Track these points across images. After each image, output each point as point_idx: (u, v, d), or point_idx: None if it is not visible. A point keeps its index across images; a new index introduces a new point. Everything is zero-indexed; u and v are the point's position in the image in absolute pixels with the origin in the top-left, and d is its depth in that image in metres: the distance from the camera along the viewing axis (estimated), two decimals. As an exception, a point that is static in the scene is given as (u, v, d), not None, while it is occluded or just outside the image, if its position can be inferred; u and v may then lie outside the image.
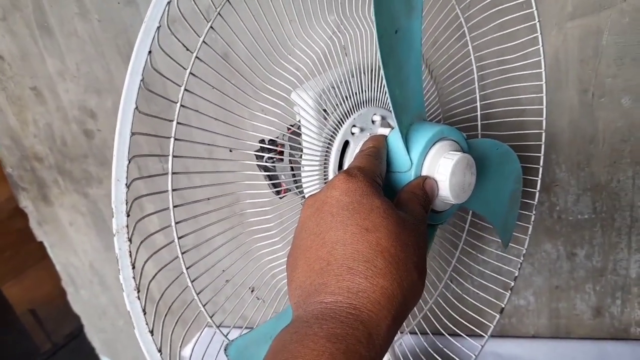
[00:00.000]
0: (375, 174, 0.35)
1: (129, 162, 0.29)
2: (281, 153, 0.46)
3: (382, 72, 0.35)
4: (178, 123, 0.34)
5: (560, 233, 0.75)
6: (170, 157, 0.34)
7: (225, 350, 0.40)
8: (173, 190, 0.34)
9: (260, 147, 0.49)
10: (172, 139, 0.33)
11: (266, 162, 0.49)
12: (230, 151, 0.39)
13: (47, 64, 0.83)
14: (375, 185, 0.33)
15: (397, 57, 0.36)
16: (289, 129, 0.45)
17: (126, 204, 0.28)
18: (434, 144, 0.39)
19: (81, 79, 0.83)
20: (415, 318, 0.59)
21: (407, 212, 0.34)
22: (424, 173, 0.39)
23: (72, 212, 1.00)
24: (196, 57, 0.34)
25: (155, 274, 0.34)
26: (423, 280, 0.31)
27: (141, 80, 0.29)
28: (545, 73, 0.54)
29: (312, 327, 0.26)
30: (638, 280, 0.76)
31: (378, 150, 0.39)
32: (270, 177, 0.49)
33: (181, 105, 0.34)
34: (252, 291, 0.43)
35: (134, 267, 0.30)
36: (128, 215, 0.29)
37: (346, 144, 0.45)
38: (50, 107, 0.87)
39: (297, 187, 0.46)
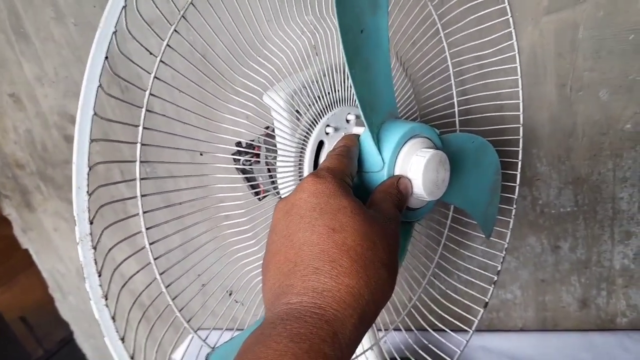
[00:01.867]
0: (345, 173, 0.35)
1: (90, 169, 0.28)
2: (258, 155, 0.46)
3: (347, 72, 0.35)
4: (144, 128, 0.33)
5: (544, 226, 0.76)
6: (137, 163, 0.33)
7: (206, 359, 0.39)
8: (142, 195, 0.34)
9: (237, 150, 0.49)
10: (138, 144, 0.33)
11: (243, 164, 0.49)
12: (201, 154, 0.39)
13: (25, 69, 0.82)
14: (344, 186, 0.33)
15: (364, 56, 0.36)
16: (267, 128, 0.45)
17: (88, 211, 0.28)
18: (405, 142, 0.39)
19: (60, 83, 0.82)
20: (400, 315, 0.59)
21: (379, 211, 0.34)
22: (396, 172, 0.39)
23: (55, 218, 0.99)
24: (160, 60, 0.34)
25: (125, 283, 0.34)
26: (393, 278, 0.31)
27: (99, 87, 0.28)
28: (521, 67, 0.54)
29: (277, 327, 0.26)
30: (622, 271, 0.77)
31: (349, 149, 0.38)
32: (248, 179, 0.48)
33: (147, 110, 0.33)
34: (230, 294, 0.43)
35: (99, 275, 0.29)
36: (91, 223, 0.28)
37: (321, 144, 0.45)
38: (30, 113, 0.86)
39: (274, 189, 0.46)
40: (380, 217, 0.33)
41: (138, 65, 0.33)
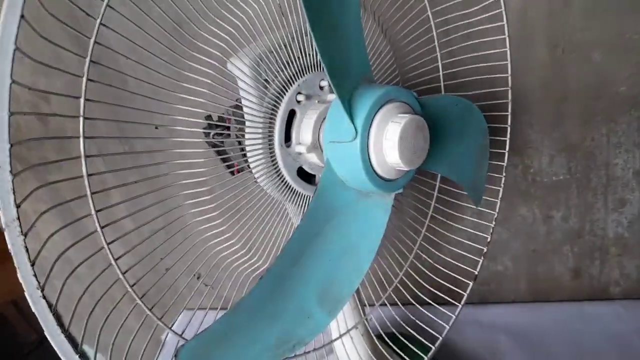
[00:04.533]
0: None
1: (11, 146, 0.25)
2: (228, 128, 0.43)
3: (311, 36, 0.31)
4: (86, 100, 0.30)
5: (535, 196, 0.73)
6: (81, 139, 0.30)
7: (175, 357, 0.36)
8: (89, 175, 0.31)
9: (208, 124, 0.45)
10: (81, 118, 0.30)
11: (214, 138, 0.46)
12: (156, 128, 0.35)
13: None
14: None
15: (329, 14, 0.32)
16: (237, 100, 0.42)
17: (14, 193, 0.25)
18: (380, 108, 0.36)
19: (27, 60, 0.77)
20: (386, 290, 0.57)
21: None
22: (371, 141, 0.36)
23: (35, 202, 0.95)
24: (95, 42, 0.30)
25: (71, 273, 0.31)
26: None
27: (15, 50, 0.25)
28: (508, 26, 0.50)
29: None
30: (616, 240, 0.74)
31: None
32: (220, 155, 0.45)
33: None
34: (197, 278, 0.40)
35: (33, 265, 0.26)
36: (18, 207, 0.25)
37: (292, 113, 0.42)
38: (-1, 92, 0.82)
39: (245, 162, 0.43)
40: None
41: (61, 47, 0.30)
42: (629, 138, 0.66)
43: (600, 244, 0.75)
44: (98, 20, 0.31)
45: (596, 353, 0.72)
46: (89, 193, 0.31)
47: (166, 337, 0.40)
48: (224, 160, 0.46)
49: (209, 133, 0.45)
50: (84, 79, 0.30)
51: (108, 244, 0.33)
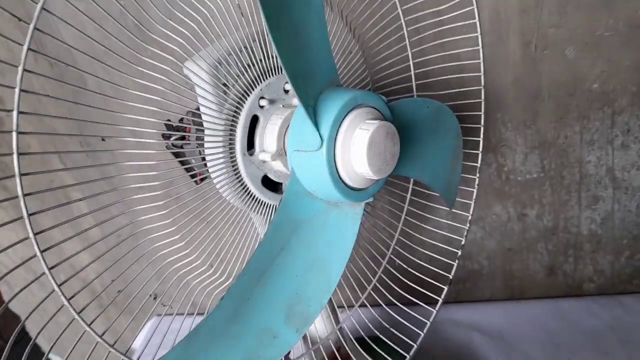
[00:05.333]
0: None
1: None
2: (187, 135, 0.40)
3: (271, 40, 0.29)
4: (20, 112, 0.27)
5: (510, 194, 0.72)
6: (15, 155, 0.27)
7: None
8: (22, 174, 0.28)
9: (167, 129, 0.43)
10: (14, 133, 0.27)
11: (174, 145, 0.43)
12: (103, 140, 0.33)
13: None
14: None
15: (289, 13, 0.30)
16: (196, 108, 0.39)
17: None
18: (347, 114, 0.34)
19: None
20: (359, 298, 0.55)
21: None
22: (337, 149, 0.33)
23: (-8, 206, 0.91)
24: (35, 29, 0.27)
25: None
26: None
27: None
28: (480, 24, 0.49)
29: None
30: (590, 237, 0.74)
31: None
32: (182, 163, 0.43)
33: (24, 91, 0.27)
34: (154, 298, 0.37)
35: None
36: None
37: (255, 119, 0.39)
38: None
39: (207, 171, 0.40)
40: None
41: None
42: (602, 135, 0.65)
43: (574, 241, 0.75)
44: (39, 6, 0.28)
45: (571, 349, 0.72)
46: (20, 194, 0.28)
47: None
48: (186, 168, 0.43)
49: (169, 137, 0.42)
50: (20, 68, 0.27)
51: (50, 268, 0.30)
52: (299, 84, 0.31)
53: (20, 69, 0.28)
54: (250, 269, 0.33)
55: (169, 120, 0.41)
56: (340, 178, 0.34)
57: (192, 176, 0.44)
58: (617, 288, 0.78)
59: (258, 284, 0.34)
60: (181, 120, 0.43)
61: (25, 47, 0.28)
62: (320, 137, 0.33)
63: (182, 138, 0.42)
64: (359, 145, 0.33)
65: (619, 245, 0.74)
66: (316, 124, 0.33)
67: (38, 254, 0.29)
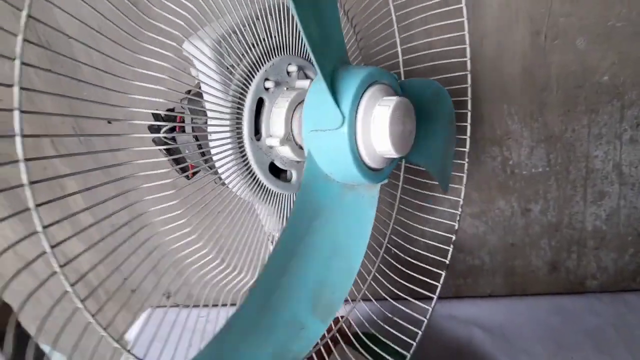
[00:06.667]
0: None
1: None
2: (182, 122, 0.38)
3: (292, 9, 0.27)
4: (21, 88, 0.25)
5: (514, 189, 0.71)
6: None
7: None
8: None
9: (153, 118, 0.40)
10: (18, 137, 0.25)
11: (165, 139, 0.40)
12: (109, 122, 0.31)
13: None
14: None
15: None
16: (188, 93, 0.37)
17: None
18: (365, 91, 0.32)
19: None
20: (360, 289, 0.53)
21: None
22: (358, 126, 0.32)
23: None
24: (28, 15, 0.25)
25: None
26: None
27: None
28: (466, 12, 0.47)
29: None
30: (594, 233, 0.73)
31: None
32: (172, 156, 0.40)
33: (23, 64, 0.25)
34: (167, 297, 0.35)
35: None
36: None
37: (260, 102, 0.37)
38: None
39: (205, 162, 0.38)
40: None
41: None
42: (610, 129, 0.64)
43: (578, 237, 0.74)
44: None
45: (572, 347, 0.71)
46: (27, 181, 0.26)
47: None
48: (176, 162, 0.41)
49: (158, 130, 0.39)
50: (18, 61, 0.25)
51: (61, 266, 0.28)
52: (318, 57, 0.29)
53: (17, 63, 0.26)
54: (274, 259, 0.32)
55: (157, 109, 0.39)
56: (361, 157, 0.33)
57: (183, 169, 0.42)
58: (620, 285, 0.77)
59: (284, 274, 0.32)
60: (172, 109, 0.40)
61: (19, 40, 0.25)
62: (342, 113, 0.31)
63: (173, 129, 0.39)
64: (380, 122, 0.31)
65: (623, 242, 0.73)
66: (336, 101, 0.31)
67: (48, 250, 0.27)
